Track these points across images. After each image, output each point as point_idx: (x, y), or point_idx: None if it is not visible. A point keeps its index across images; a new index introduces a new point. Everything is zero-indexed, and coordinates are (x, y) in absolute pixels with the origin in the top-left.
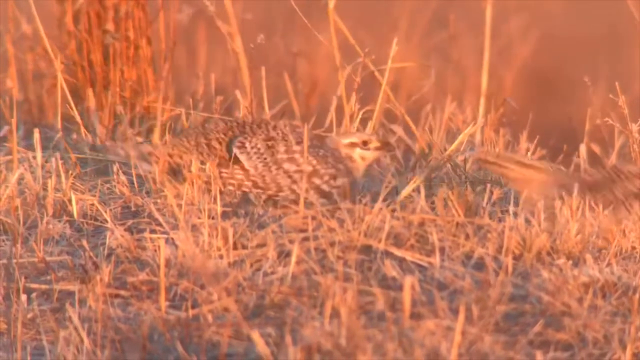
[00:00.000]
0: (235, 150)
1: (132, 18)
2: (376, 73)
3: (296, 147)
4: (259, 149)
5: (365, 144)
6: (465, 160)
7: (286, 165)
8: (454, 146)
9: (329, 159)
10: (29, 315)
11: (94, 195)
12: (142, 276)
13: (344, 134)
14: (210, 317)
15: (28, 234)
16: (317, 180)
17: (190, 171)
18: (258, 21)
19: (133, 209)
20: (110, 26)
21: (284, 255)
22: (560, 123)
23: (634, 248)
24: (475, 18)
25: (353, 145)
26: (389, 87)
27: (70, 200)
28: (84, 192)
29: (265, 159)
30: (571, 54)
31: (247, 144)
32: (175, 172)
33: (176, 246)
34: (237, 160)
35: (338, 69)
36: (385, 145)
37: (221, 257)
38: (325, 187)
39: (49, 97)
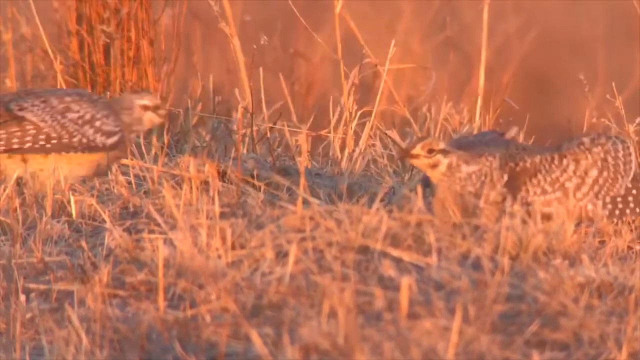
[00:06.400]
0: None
1: (135, 19)
2: (379, 68)
3: (67, 98)
4: (37, 104)
5: (156, 108)
6: None
7: (69, 114)
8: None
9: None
10: (28, 315)
11: (93, 196)
12: (141, 276)
13: (137, 94)
14: (208, 317)
15: (27, 234)
16: (97, 122)
17: (188, 172)
18: (257, 22)
19: (131, 209)
20: (111, 26)
21: (281, 255)
22: (557, 123)
23: (630, 248)
24: (473, 18)
25: (146, 107)
26: (389, 88)
27: (69, 201)
28: (83, 193)
29: (47, 110)
30: (569, 54)
31: (24, 104)
32: None
33: (174, 246)
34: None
35: (335, 70)
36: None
37: (219, 257)
38: (107, 127)
39: None
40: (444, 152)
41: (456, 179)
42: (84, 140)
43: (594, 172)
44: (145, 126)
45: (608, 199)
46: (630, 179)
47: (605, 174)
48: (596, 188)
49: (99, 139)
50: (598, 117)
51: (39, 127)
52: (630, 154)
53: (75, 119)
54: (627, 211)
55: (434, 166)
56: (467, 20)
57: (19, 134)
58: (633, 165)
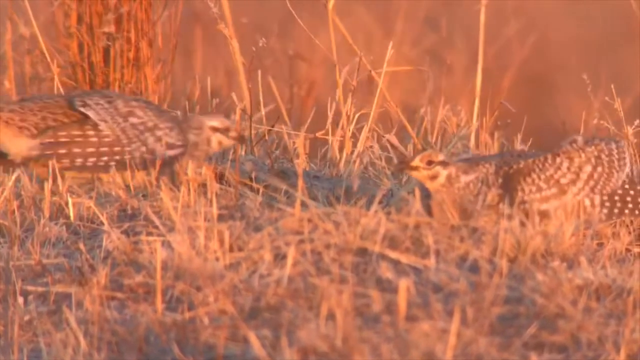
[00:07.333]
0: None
1: (135, 19)
2: (374, 74)
3: (134, 103)
4: (101, 103)
5: (226, 130)
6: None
7: (131, 119)
8: (448, 148)
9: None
10: (26, 318)
11: (91, 198)
12: (139, 278)
13: (207, 116)
14: (206, 319)
15: (25, 236)
16: (159, 132)
17: (186, 174)
18: (254, 24)
19: (129, 211)
20: (111, 27)
21: (280, 257)
22: (556, 125)
23: (628, 250)
24: (471, 21)
25: (215, 129)
26: (385, 91)
27: (67, 203)
28: (81, 195)
29: (110, 111)
30: (567, 57)
31: (88, 101)
32: None
33: (172, 249)
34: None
35: (334, 71)
36: (240, 138)
37: (217, 259)
38: (169, 139)
39: None
40: (443, 163)
41: (455, 189)
42: (143, 148)
43: (587, 168)
44: (214, 148)
45: (605, 196)
46: (625, 174)
47: (599, 169)
48: (591, 183)
49: (159, 149)
50: (598, 120)
51: (98, 130)
52: (624, 152)
53: (136, 124)
54: (626, 211)
55: (433, 178)
56: (465, 22)
57: (80, 139)
58: (627, 161)
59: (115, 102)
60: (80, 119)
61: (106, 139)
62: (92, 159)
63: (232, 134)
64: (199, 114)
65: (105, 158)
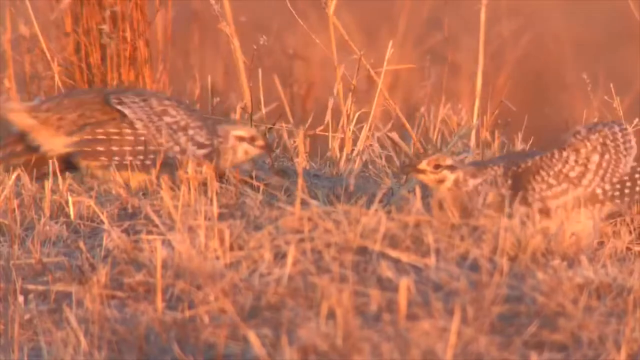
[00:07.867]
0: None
1: (130, 19)
2: (372, 74)
3: (166, 102)
4: (136, 101)
5: (252, 140)
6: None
7: (165, 118)
8: (449, 147)
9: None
10: (26, 317)
11: (91, 197)
12: (139, 277)
13: (232, 125)
14: (206, 318)
15: (25, 235)
16: (190, 131)
17: (186, 172)
18: (252, 23)
19: (130, 210)
20: (107, 26)
21: (280, 256)
22: (556, 124)
23: (628, 249)
24: (470, 20)
25: (241, 139)
26: (384, 89)
27: (67, 202)
28: (81, 194)
29: (146, 109)
30: (566, 56)
31: (124, 98)
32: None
33: (173, 247)
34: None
35: (334, 71)
36: (267, 147)
37: (217, 258)
38: (199, 138)
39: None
40: (451, 168)
41: (463, 193)
42: (176, 147)
43: (595, 157)
44: (240, 158)
45: (615, 180)
46: (632, 157)
47: (607, 156)
48: (601, 172)
49: (190, 148)
50: (598, 118)
51: (135, 128)
52: (628, 134)
53: (170, 123)
54: (637, 189)
55: (440, 181)
56: (464, 22)
57: (117, 137)
58: (633, 143)
59: (150, 100)
60: (116, 117)
61: (142, 138)
62: (129, 158)
63: (259, 142)
64: (224, 123)
65: (141, 157)
